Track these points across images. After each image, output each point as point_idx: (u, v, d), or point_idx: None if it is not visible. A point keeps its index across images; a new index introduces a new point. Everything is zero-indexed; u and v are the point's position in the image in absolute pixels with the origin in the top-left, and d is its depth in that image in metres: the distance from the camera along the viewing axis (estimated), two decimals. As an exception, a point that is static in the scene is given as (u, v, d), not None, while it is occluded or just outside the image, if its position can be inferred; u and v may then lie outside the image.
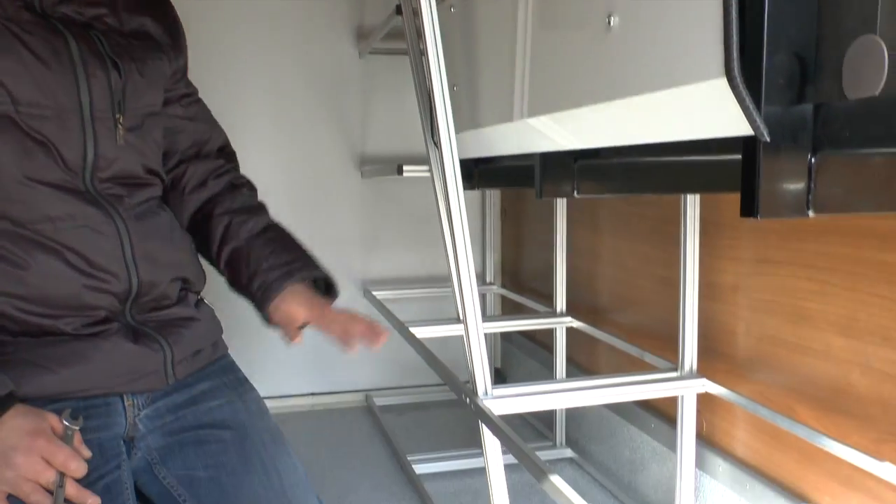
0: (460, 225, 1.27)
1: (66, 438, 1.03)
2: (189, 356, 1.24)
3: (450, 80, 1.28)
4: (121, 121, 1.18)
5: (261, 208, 1.41)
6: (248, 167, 2.15)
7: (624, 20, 0.82)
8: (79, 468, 1.01)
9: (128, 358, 1.17)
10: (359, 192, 2.36)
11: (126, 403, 1.18)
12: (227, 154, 1.46)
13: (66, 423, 1.04)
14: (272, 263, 1.30)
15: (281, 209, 2.25)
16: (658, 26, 0.75)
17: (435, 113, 1.27)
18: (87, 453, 1.05)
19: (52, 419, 1.03)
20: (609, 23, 0.83)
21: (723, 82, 0.64)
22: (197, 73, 2.08)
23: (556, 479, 0.90)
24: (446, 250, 1.60)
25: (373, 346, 1.22)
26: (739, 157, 0.68)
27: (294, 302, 1.28)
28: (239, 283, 1.32)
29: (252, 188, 1.45)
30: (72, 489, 1.00)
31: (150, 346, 1.19)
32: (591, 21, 0.88)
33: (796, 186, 0.64)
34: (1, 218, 1.09)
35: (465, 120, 1.36)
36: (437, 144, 1.29)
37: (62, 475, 1.00)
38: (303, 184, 2.31)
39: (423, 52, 1.27)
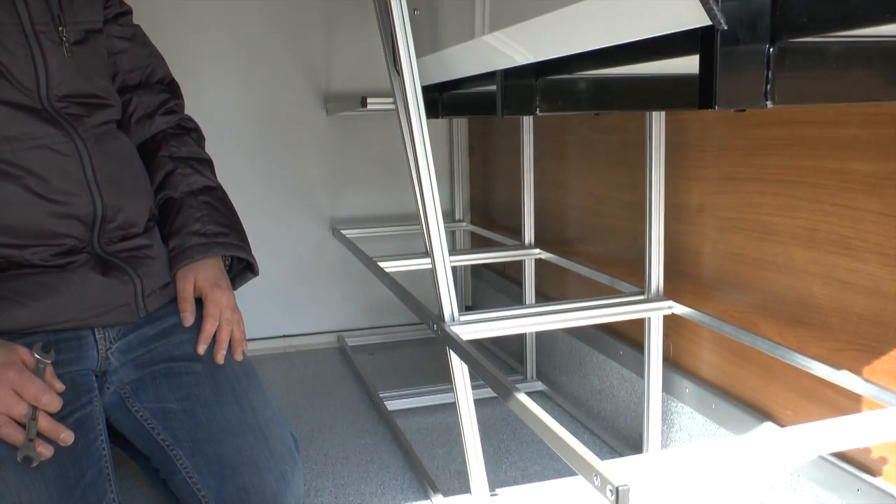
0: (424, 154, 1.25)
1: (37, 372, 1.02)
2: (159, 288, 1.23)
3: (410, 5, 1.25)
4: (64, 34, 1.17)
5: (205, 163, 1.40)
6: (210, 104, 2.14)
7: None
8: (51, 401, 1.00)
9: (98, 290, 1.16)
10: (325, 130, 2.32)
11: (97, 337, 1.17)
12: (171, 87, 1.44)
13: (38, 357, 1.03)
14: (195, 229, 1.28)
15: (245, 148, 2.24)
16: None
17: (395, 39, 1.24)
18: (60, 386, 1.04)
19: (23, 352, 1.02)
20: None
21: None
22: (157, 9, 2.05)
23: (522, 398, 0.90)
24: (413, 185, 1.59)
25: (215, 356, 1.20)
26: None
27: (199, 275, 1.25)
28: (161, 231, 1.30)
29: (200, 134, 1.45)
30: (45, 422, 0.99)
31: (121, 279, 1.18)
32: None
33: (754, 76, 0.63)
34: None
35: (427, 44, 1.33)
36: (400, 72, 1.27)
37: (34, 409, 0.99)
38: (267, 122, 2.27)
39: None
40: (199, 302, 1.25)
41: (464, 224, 2.44)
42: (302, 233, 2.35)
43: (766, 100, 0.63)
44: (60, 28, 1.17)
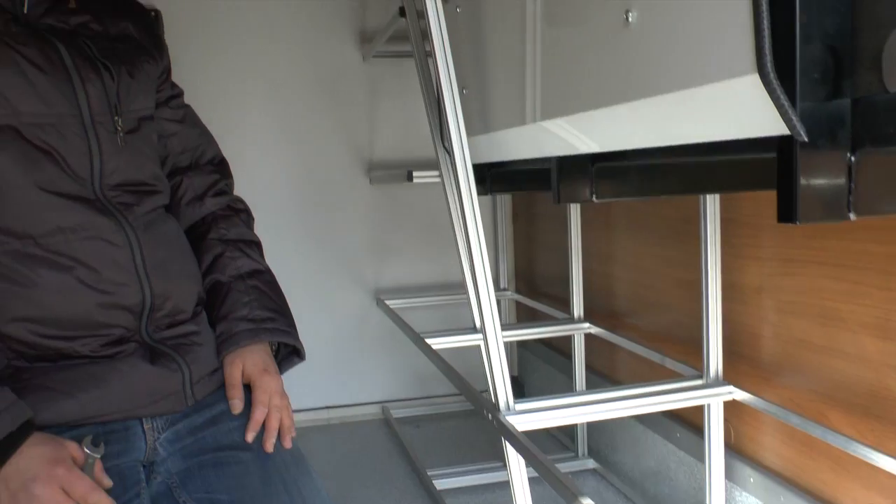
0: (476, 234, 1.23)
1: (86, 467, 1.00)
2: (207, 375, 1.22)
3: (459, 84, 1.24)
4: (119, 123, 1.17)
5: (254, 245, 1.39)
6: (254, 173, 2.16)
7: (643, 15, 0.77)
8: (100, 500, 0.98)
9: (146, 380, 1.14)
10: (368, 199, 2.32)
11: (145, 427, 1.15)
12: (221, 167, 1.44)
13: (88, 451, 1.01)
14: (243, 314, 1.26)
15: (289, 217, 2.25)
16: (680, 20, 0.71)
17: (445, 118, 1.23)
18: (108, 482, 1.03)
19: (73, 447, 1.01)
20: (627, 18, 0.79)
21: (753, 79, 0.60)
22: (200, 81, 2.08)
23: (587, 503, 0.86)
24: (460, 257, 1.57)
25: (264, 445, 1.18)
26: (764, 155, 0.64)
27: (247, 361, 1.24)
28: (208, 314, 1.29)
29: (249, 215, 1.44)
30: None
31: (168, 367, 1.16)
32: (608, 17, 0.84)
33: (835, 187, 0.60)
34: (5, 234, 1.08)
35: (476, 124, 1.32)
36: (449, 151, 1.26)
37: None
38: (310, 191, 2.28)
39: (430, 56, 1.23)
40: (247, 388, 1.23)
41: (508, 293, 2.41)
42: (346, 302, 2.34)
43: (850, 211, 0.61)
44: (116, 118, 1.18)
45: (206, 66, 2.17)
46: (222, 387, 1.24)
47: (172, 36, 2.09)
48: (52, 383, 1.10)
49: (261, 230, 1.43)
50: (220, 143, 1.46)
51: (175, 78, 1.39)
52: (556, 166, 1.09)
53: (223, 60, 2.20)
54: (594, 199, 1.07)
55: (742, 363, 1.33)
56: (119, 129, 1.18)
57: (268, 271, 1.38)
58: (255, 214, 1.46)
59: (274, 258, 1.40)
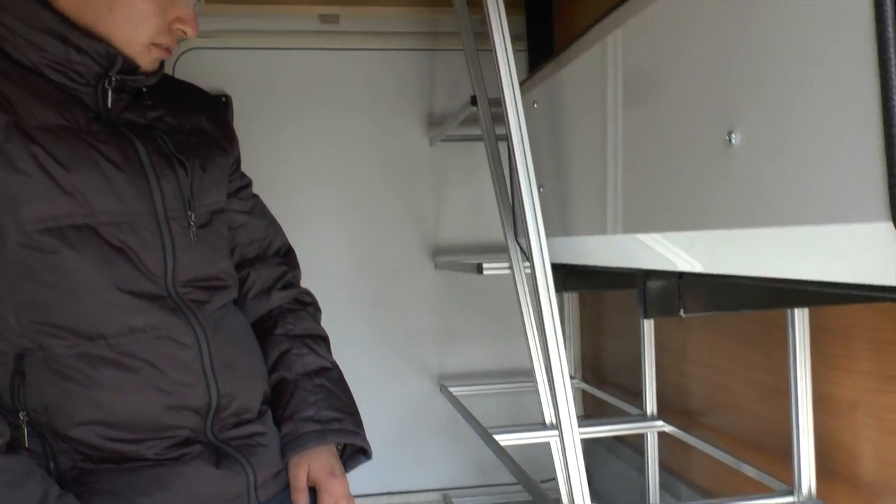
0: (553, 336, 1.20)
1: None
2: (271, 478, 1.20)
3: (536, 181, 1.22)
4: (192, 218, 1.17)
5: (321, 340, 1.38)
6: (317, 256, 2.15)
7: (748, 138, 0.74)
8: None
9: (210, 483, 1.12)
10: (433, 283, 2.30)
11: None
12: (288, 257, 1.44)
13: None
14: (310, 415, 1.25)
15: (352, 300, 2.23)
16: (791, 148, 0.67)
17: (522, 215, 1.20)
18: None
19: None
20: (730, 140, 0.76)
21: (886, 226, 0.56)
22: (267, 163, 2.10)
23: None
24: (528, 346, 1.53)
25: None
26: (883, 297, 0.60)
27: (313, 463, 1.22)
28: (273, 412, 1.27)
29: (317, 308, 1.43)
30: None
31: (233, 469, 1.14)
32: (705, 136, 0.80)
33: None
34: (76, 336, 1.07)
35: (554, 224, 1.29)
36: (525, 250, 1.23)
37: None
38: (374, 274, 2.27)
39: (500, 139, 1.21)
40: (312, 490, 1.20)
41: (575, 381, 2.35)
42: (408, 386, 2.30)
43: None
44: (189, 213, 1.18)
45: (274, 147, 2.20)
46: (286, 489, 1.21)
47: (241, 119, 2.13)
48: (116, 487, 1.08)
49: (323, 311, 1.42)
50: (284, 223, 1.46)
51: (242, 159, 1.39)
52: (642, 280, 1.05)
53: (290, 142, 2.23)
54: (682, 313, 1.03)
55: (837, 481, 1.26)
56: (192, 224, 1.18)
57: (335, 368, 1.36)
58: (317, 294, 1.44)
59: (335, 341, 1.38)
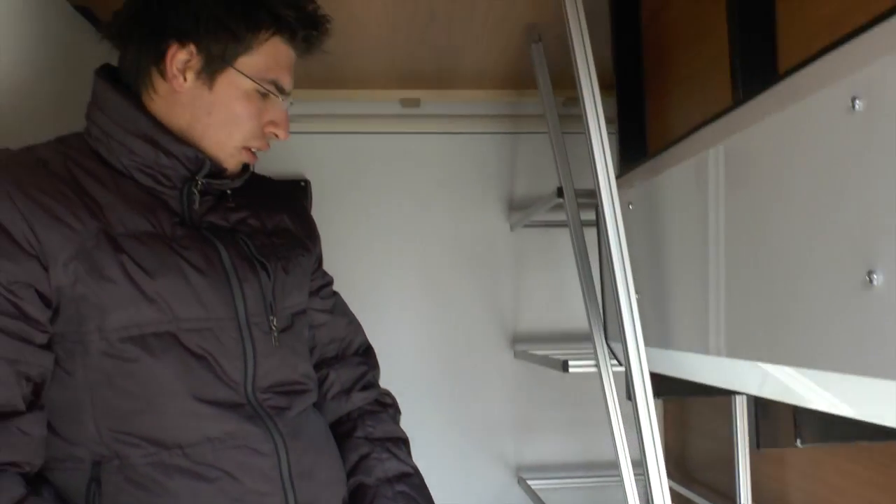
0: (653, 451, 1.13)
1: None
2: None
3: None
4: (274, 323, 1.15)
5: (402, 443, 1.35)
6: (394, 339, 2.11)
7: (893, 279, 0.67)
8: None
9: None
10: (511, 371, 2.24)
11: None
12: (367, 356, 1.42)
13: None
14: None
15: (427, 387, 2.18)
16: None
17: (619, 323, 1.15)
18: None
19: None
20: (871, 280, 0.69)
21: None
22: (345, 248, 2.09)
23: None
24: (616, 450, 1.46)
25: None
26: None
27: None
28: None
29: (397, 410, 1.41)
30: None
31: None
32: (839, 272, 0.74)
33: None
34: (153, 444, 1.04)
35: (650, 334, 1.23)
36: (621, 358, 1.17)
37: None
38: (452, 361, 2.22)
39: (601, 253, 1.16)
40: None
41: (658, 476, 2.24)
42: (485, 478, 2.22)
43: None
44: (271, 317, 1.16)
45: (352, 231, 2.19)
46: None
47: (320, 203, 2.13)
48: None
49: (399, 397, 1.39)
50: (361, 308, 1.44)
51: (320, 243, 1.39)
52: (751, 405, 0.98)
53: (369, 225, 2.22)
54: (798, 443, 0.95)
55: None
56: (273, 328, 1.16)
57: (416, 473, 1.32)
58: (393, 380, 1.43)
59: (411, 428, 1.36)
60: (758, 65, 0.97)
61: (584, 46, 1.14)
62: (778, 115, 0.83)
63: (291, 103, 1.21)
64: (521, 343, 2.22)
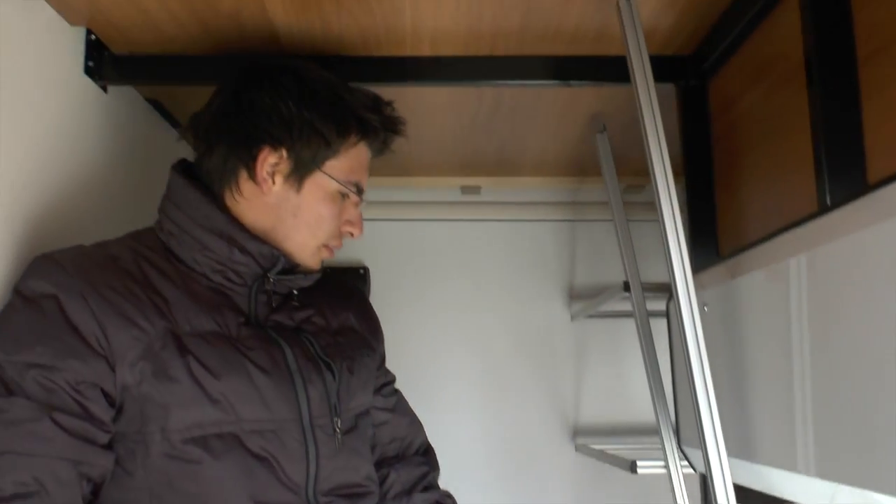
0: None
1: None
2: None
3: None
4: (338, 425, 1.12)
5: None
6: (454, 435, 2.06)
7: None
8: None
9: None
10: (572, 464, 2.16)
11: None
12: (428, 456, 1.39)
13: None
14: None
15: (487, 482, 2.11)
16: None
17: (700, 432, 1.08)
18: None
19: None
20: None
21: None
22: (403, 336, 2.06)
23: None
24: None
25: None
26: None
27: None
28: None
29: None
30: None
31: None
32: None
33: None
34: None
35: (730, 444, 1.16)
36: (698, 468, 1.11)
37: None
38: (510, 454, 2.16)
39: (686, 362, 1.10)
40: None
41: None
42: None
43: None
44: (335, 418, 1.13)
45: (410, 319, 2.17)
46: None
47: (378, 290, 2.11)
48: None
49: (455, 490, 1.36)
50: (419, 397, 1.43)
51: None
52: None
53: (427, 313, 2.20)
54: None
55: None
56: (337, 430, 1.13)
57: None
58: (449, 471, 1.40)
59: None
60: (845, 170, 0.93)
61: (659, 138, 1.11)
62: (870, 230, 0.79)
63: (367, 203, 1.22)
64: (583, 436, 2.15)
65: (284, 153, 1.12)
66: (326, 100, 1.14)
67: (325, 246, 1.18)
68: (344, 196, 1.17)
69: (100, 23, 1.29)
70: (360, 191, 1.19)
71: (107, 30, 1.32)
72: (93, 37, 1.33)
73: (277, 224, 1.13)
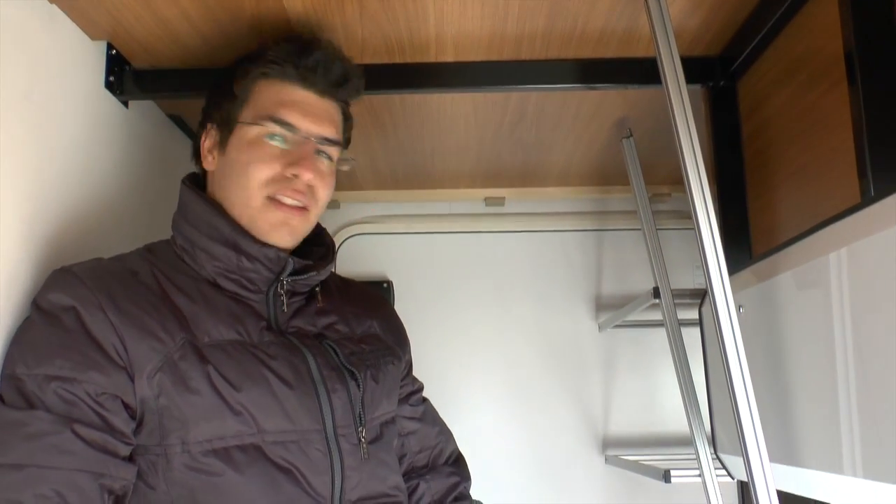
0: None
1: None
2: None
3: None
4: (363, 434, 1.09)
5: None
6: (482, 446, 2.02)
7: None
8: None
9: None
10: (603, 477, 2.12)
11: None
12: (458, 466, 1.36)
13: None
14: None
15: (516, 494, 2.07)
16: None
17: (741, 439, 1.04)
18: None
19: None
20: None
21: None
22: (428, 349, 2.03)
23: None
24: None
25: None
26: None
27: None
28: None
29: None
30: None
31: None
32: None
33: None
34: None
35: (770, 449, 1.12)
36: (734, 475, 1.07)
37: None
38: (539, 466, 2.12)
39: (724, 365, 1.06)
40: None
41: None
42: None
43: None
44: (360, 428, 1.11)
45: (436, 331, 2.14)
46: None
47: (402, 303, 2.09)
48: None
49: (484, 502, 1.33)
50: (445, 409, 1.39)
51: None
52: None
53: (452, 325, 2.17)
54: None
55: None
56: (362, 440, 1.10)
57: None
58: (478, 483, 1.36)
59: None
60: (890, 164, 0.90)
61: (691, 138, 1.08)
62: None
63: (348, 159, 1.19)
64: (612, 448, 2.11)
65: (210, 128, 1.17)
66: (231, 65, 1.19)
67: (273, 199, 1.10)
68: (271, 137, 1.11)
69: (121, 37, 1.29)
70: (285, 125, 1.11)
71: (128, 44, 1.31)
72: (113, 51, 1.33)
73: (224, 197, 1.13)
